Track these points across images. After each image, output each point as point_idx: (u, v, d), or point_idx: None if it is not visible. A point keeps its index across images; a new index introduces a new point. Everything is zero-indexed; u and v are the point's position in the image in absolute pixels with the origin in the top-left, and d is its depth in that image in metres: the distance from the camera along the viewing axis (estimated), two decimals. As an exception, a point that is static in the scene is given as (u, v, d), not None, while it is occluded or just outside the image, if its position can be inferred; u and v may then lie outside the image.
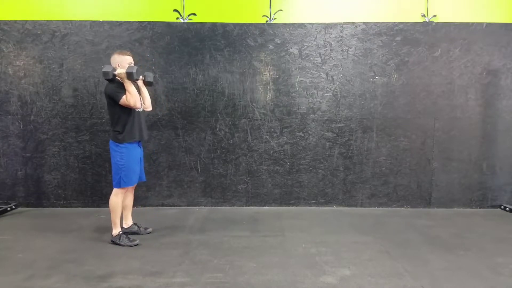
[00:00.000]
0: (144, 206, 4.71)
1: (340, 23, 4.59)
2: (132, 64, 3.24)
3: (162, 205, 4.74)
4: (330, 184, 4.74)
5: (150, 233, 3.67)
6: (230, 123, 4.67)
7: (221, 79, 4.62)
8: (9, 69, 4.53)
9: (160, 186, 4.72)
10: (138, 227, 3.68)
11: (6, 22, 4.48)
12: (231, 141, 4.69)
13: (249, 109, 4.66)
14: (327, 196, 4.76)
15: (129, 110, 3.26)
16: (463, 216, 4.43)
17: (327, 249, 3.29)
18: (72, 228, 3.85)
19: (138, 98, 3.20)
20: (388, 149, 4.71)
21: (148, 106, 3.48)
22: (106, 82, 3.28)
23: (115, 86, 3.19)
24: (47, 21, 4.51)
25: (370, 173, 4.74)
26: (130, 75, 3.09)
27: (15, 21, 4.49)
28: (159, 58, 4.58)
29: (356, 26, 4.60)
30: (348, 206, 4.77)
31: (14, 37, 4.50)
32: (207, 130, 4.68)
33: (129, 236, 3.40)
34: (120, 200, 3.37)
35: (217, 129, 4.67)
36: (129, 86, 3.14)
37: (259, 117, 4.67)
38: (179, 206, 4.75)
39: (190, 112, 4.64)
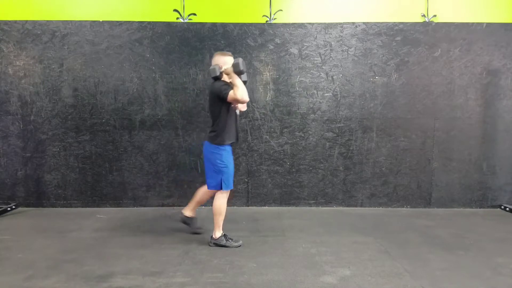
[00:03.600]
0: (144, 206, 4.72)
1: (340, 23, 4.60)
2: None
3: (162, 205, 4.74)
4: (330, 184, 4.74)
5: (199, 233, 3.66)
6: (230, 123, 4.66)
7: (221, 79, 4.62)
8: (9, 69, 4.54)
9: (160, 186, 4.72)
10: (196, 225, 3.69)
11: (6, 22, 4.49)
12: (231, 141, 4.68)
13: (249, 109, 4.65)
14: (327, 196, 4.76)
15: (230, 111, 3.23)
16: (463, 216, 4.43)
17: (327, 249, 3.29)
18: (72, 228, 3.85)
19: (245, 90, 3.13)
20: (388, 149, 4.71)
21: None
22: (211, 83, 3.26)
23: (223, 83, 3.17)
24: (47, 21, 4.51)
25: (370, 173, 4.74)
26: (237, 67, 3.07)
27: (15, 21, 4.49)
28: (159, 58, 4.58)
29: (356, 26, 4.60)
30: (348, 206, 4.77)
31: (14, 37, 4.50)
32: (207, 130, 4.67)
33: (229, 237, 3.37)
34: (225, 202, 3.32)
35: (217, 129, 4.67)
36: (236, 80, 3.09)
37: (259, 117, 4.67)
38: (179, 206, 4.73)
39: (190, 112, 4.64)
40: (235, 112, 3.32)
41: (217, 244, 3.32)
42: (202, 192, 3.62)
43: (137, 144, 4.66)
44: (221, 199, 3.31)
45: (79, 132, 4.63)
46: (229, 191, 3.34)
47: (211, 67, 3.16)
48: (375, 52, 4.61)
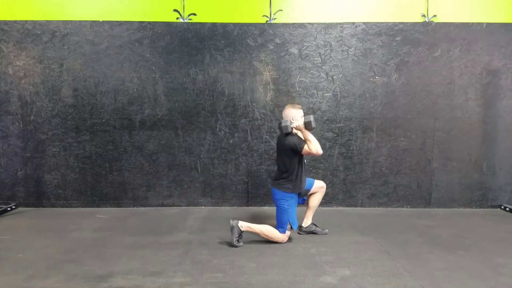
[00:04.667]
0: (144, 206, 4.72)
1: (340, 23, 4.60)
2: (303, 116, 3.34)
3: (162, 205, 4.75)
4: (330, 184, 4.74)
5: (326, 234, 3.71)
6: (230, 123, 4.67)
7: (221, 79, 4.62)
8: (9, 69, 4.54)
9: (160, 186, 4.72)
10: (316, 226, 3.74)
11: (6, 22, 4.49)
12: (231, 141, 4.69)
13: (249, 109, 4.66)
14: (327, 196, 4.75)
15: (301, 162, 3.38)
16: (463, 216, 4.43)
17: (327, 249, 3.29)
18: (72, 228, 3.85)
19: (318, 144, 3.29)
20: (388, 149, 4.71)
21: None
22: (281, 134, 3.38)
23: (296, 137, 3.31)
24: (47, 21, 4.51)
25: (370, 173, 4.74)
26: (309, 124, 3.24)
27: (15, 21, 4.49)
28: (159, 58, 4.58)
29: (356, 26, 4.60)
30: (348, 206, 4.77)
31: (14, 37, 4.50)
32: (207, 130, 4.68)
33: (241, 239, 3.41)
34: (277, 239, 3.41)
35: (217, 129, 4.67)
36: (308, 135, 3.26)
37: (259, 117, 4.67)
38: (179, 206, 4.75)
39: (190, 112, 4.65)
40: (304, 162, 3.47)
41: (232, 229, 3.32)
42: (312, 198, 3.70)
43: (137, 144, 4.66)
44: (276, 235, 3.39)
45: (79, 132, 4.63)
46: (287, 236, 3.43)
47: (283, 124, 3.27)
48: (375, 52, 4.61)
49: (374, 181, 4.75)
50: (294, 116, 3.32)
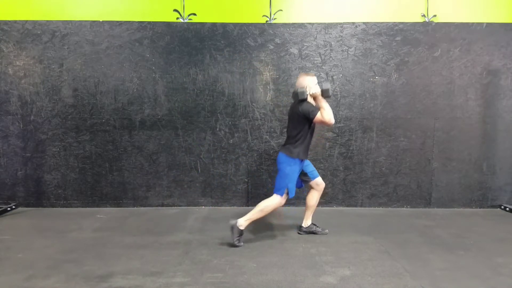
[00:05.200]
0: (144, 206, 4.72)
1: (340, 23, 4.60)
2: (317, 83, 3.34)
3: (162, 205, 4.75)
4: (330, 184, 4.74)
5: (327, 234, 3.71)
6: (230, 123, 4.67)
7: (221, 79, 4.62)
8: (9, 69, 4.54)
9: (160, 186, 4.72)
10: (316, 226, 3.74)
11: (6, 22, 4.49)
12: (231, 141, 4.69)
13: (249, 109, 4.66)
14: (327, 196, 4.76)
15: (311, 130, 3.40)
16: (463, 216, 4.43)
17: (327, 249, 3.29)
18: (72, 228, 3.85)
19: (332, 113, 3.27)
20: (388, 149, 4.71)
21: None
22: (294, 102, 3.39)
23: (310, 105, 3.31)
24: (47, 21, 4.51)
25: (370, 173, 4.74)
26: (326, 92, 3.24)
27: (15, 21, 4.49)
28: (159, 58, 4.58)
29: (356, 26, 4.60)
30: (348, 206, 4.77)
31: (14, 37, 4.50)
32: (207, 130, 4.68)
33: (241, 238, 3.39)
34: (274, 207, 3.41)
35: (217, 129, 4.67)
36: (323, 103, 3.25)
37: (259, 117, 4.67)
38: (179, 206, 4.75)
39: (190, 112, 4.65)
40: (313, 131, 3.47)
41: (232, 229, 3.31)
42: (309, 197, 3.69)
43: (137, 144, 4.66)
44: (272, 201, 3.38)
45: (79, 132, 4.63)
46: (284, 199, 3.41)
47: (299, 90, 3.26)
48: (375, 52, 4.61)
49: (374, 181, 4.75)
50: (309, 83, 3.31)
